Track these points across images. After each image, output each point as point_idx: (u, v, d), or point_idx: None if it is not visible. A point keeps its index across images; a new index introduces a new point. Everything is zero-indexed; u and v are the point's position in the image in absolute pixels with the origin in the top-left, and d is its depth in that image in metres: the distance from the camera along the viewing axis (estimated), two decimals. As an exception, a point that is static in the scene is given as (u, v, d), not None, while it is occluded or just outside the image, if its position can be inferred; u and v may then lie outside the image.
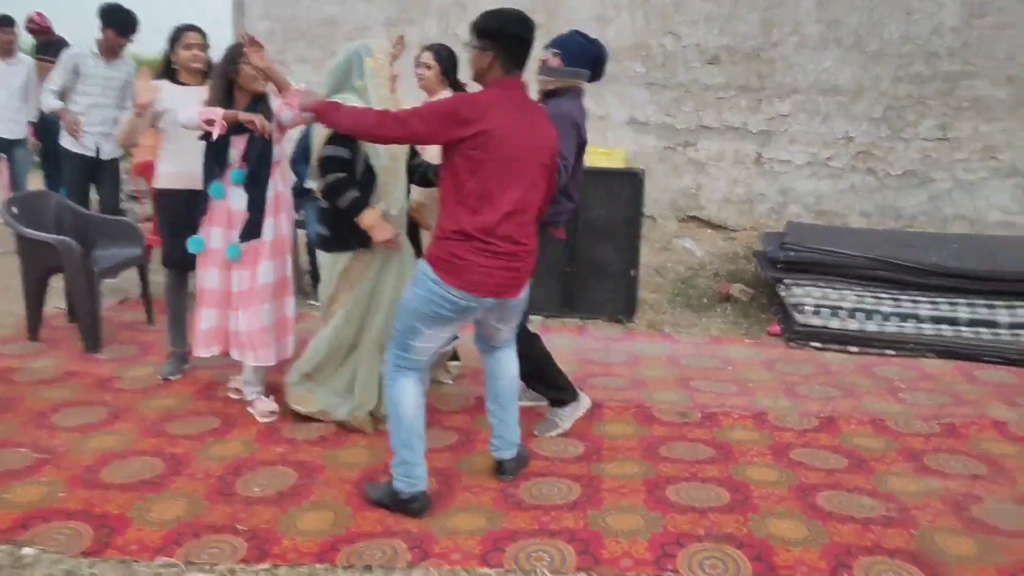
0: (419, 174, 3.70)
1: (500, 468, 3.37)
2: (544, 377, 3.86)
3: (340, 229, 3.56)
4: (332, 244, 3.63)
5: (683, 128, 7.22)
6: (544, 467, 3.43)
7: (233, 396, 4.06)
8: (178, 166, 4.03)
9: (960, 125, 6.88)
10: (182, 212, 3.99)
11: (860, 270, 5.41)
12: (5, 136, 6.64)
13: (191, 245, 3.83)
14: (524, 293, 3.19)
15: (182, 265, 4.15)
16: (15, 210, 4.77)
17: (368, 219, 3.45)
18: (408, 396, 3.02)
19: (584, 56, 3.69)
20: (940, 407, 4.23)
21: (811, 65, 6.99)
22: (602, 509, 3.08)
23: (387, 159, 3.57)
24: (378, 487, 3.16)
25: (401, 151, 3.64)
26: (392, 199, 3.62)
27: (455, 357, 4.46)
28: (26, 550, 2.74)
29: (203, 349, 3.90)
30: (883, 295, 5.34)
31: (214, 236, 3.81)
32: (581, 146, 3.66)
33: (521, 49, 2.96)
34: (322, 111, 3.06)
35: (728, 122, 7.16)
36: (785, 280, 5.55)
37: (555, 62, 3.67)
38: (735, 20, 7.02)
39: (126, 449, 3.49)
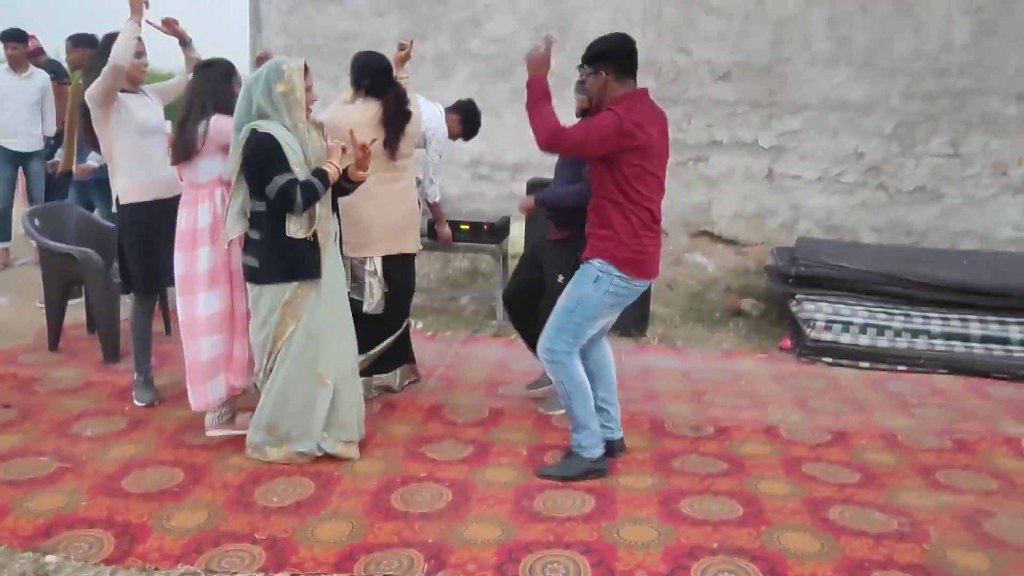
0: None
1: (615, 447, 3.64)
2: None
3: (280, 256, 3.36)
4: (261, 275, 3.39)
5: (694, 144, 7.25)
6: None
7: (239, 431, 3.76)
8: (145, 174, 3.83)
9: (971, 141, 6.90)
10: (154, 227, 3.82)
11: (871, 285, 5.43)
12: (20, 149, 6.62)
13: None
14: None
15: (155, 289, 4.05)
16: (37, 222, 4.85)
17: (335, 161, 3.42)
18: (581, 372, 3.46)
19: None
20: (951, 422, 4.25)
21: (822, 81, 7.02)
22: (616, 521, 3.11)
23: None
24: (553, 467, 3.50)
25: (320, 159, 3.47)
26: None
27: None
28: (49, 557, 2.79)
29: (209, 383, 3.70)
30: (894, 311, 5.35)
31: (208, 256, 3.65)
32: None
33: (631, 61, 3.34)
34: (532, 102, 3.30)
35: (739, 138, 7.19)
36: (796, 295, 5.57)
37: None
38: (746, 37, 7.07)
39: (146, 458, 3.54)
